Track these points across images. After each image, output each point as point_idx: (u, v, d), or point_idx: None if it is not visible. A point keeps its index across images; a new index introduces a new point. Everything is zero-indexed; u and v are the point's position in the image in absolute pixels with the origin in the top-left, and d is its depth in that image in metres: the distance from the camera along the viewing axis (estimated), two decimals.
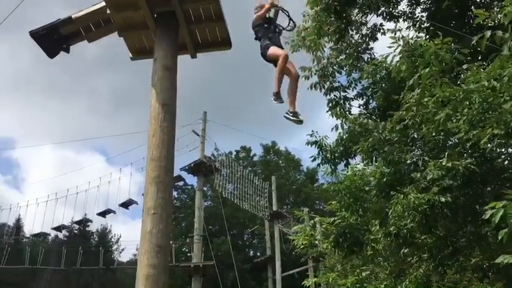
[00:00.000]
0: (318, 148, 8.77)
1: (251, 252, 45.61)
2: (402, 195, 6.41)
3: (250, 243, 47.01)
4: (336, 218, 8.65)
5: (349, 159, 8.86)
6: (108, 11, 6.12)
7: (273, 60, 6.41)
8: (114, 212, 30.28)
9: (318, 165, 8.85)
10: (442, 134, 6.95)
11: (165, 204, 5.32)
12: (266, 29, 6.70)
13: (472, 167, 6.39)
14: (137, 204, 29.72)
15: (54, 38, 6.50)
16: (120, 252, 58.66)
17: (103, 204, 30.46)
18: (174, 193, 42.44)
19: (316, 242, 11.00)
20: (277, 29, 6.82)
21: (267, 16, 6.87)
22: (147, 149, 5.67)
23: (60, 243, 45.14)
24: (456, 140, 7.25)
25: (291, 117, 6.08)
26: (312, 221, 10.37)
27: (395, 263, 8.33)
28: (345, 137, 8.57)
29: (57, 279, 49.05)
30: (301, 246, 11.07)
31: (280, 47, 6.63)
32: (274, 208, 32.39)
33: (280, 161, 49.83)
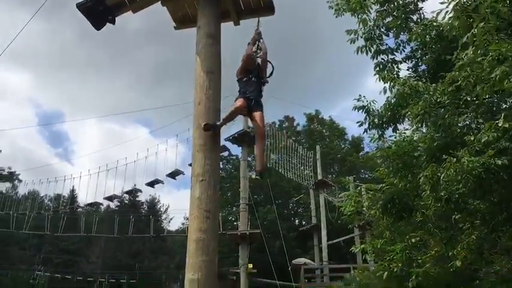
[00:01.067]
0: (365, 113, 8.57)
1: (296, 221, 45.92)
2: (455, 159, 6.20)
3: (295, 212, 47.30)
4: (383, 185, 8.49)
5: (398, 125, 8.61)
6: None
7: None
8: (162, 182, 31.08)
9: (365, 130, 8.66)
10: (497, 94, 6.63)
11: (213, 171, 5.38)
12: (244, 82, 6.14)
13: None
14: (184, 174, 30.38)
15: (99, 10, 6.59)
16: (169, 222, 60.49)
17: (151, 175, 31.27)
18: (220, 161, 42.96)
19: (363, 209, 10.89)
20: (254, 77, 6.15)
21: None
22: (193, 117, 5.72)
23: (112, 213, 47.05)
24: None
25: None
26: (358, 188, 10.22)
27: (446, 229, 8.13)
28: (393, 101, 8.32)
29: (110, 246, 51.33)
30: (348, 214, 11.00)
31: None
32: (319, 177, 32.30)
33: (324, 130, 49.35)
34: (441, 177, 6.44)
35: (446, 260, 7.76)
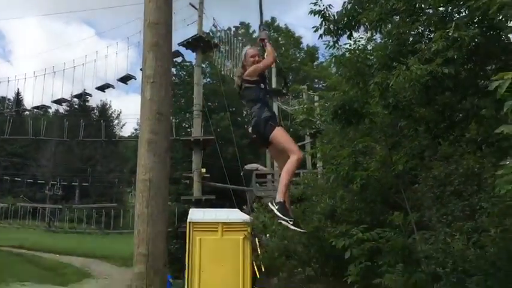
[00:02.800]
0: (321, 18, 8.41)
1: (250, 128, 46.53)
2: (405, 66, 6.32)
3: (249, 120, 47.76)
4: (336, 92, 8.63)
5: (353, 32, 8.55)
6: None
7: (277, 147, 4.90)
8: (112, 86, 30.30)
9: (320, 36, 8.56)
10: (450, 3, 6.66)
11: (164, 72, 5.27)
12: (263, 90, 5.14)
13: (479, 37, 6.20)
14: (135, 79, 29.66)
15: None
16: (121, 127, 59.95)
17: (101, 80, 30.37)
18: (173, 70, 42.03)
19: (316, 115, 11.14)
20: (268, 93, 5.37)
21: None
22: (143, 15, 5.46)
23: (62, 117, 45.95)
24: (465, 11, 6.97)
25: (280, 215, 4.38)
26: (311, 96, 10.28)
27: (392, 136, 8.49)
28: (349, 6, 8.20)
29: (61, 151, 50.81)
30: (300, 120, 11.23)
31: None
32: (274, 86, 32.40)
33: (280, 38, 48.68)
34: (390, 84, 6.59)
35: (389, 165, 8.19)
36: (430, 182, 7.19)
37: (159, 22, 5.32)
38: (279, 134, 4.87)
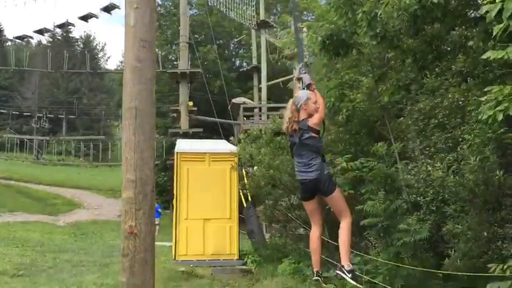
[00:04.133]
0: None
1: (237, 62, 46.03)
2: None
3: (236, 53, 47.11)
4: (323, 23, 8.48)
5: None
6: None
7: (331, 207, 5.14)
8: (96, 16, 29.41)
9: None
10: None
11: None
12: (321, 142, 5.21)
13: None
14: (119, 8, 28.76)
15: None
16: (107, 60, 58.80)
17: (84, 9, 29.38)
18: (158, 0, 40.71)
19: (303, 47, 10.99)
20: None
21: None
22: None
23: (45, 48, 44.79)
24: None
25: (355, 283, 4.72)
26: (298, 26, 10.14)
27: (379, 67, 8.47)
28: None
29: (46, 83, 49.96)
30: (287, 52, 11.10)
31: None
32: (262, 17, 31.67)
33: None
34: (379, 14, 6.49)
35: (375, 97, 8.24)
36: (415, 114, 7.28)
37: None
38: (338, 196, 5.06)
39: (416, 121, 7.26)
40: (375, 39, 6.96)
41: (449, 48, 7.95)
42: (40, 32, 30.88)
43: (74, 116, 49.48)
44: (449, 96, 6.70)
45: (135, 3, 5.02)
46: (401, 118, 8.11)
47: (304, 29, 11.15)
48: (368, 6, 6.60)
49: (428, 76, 7.34)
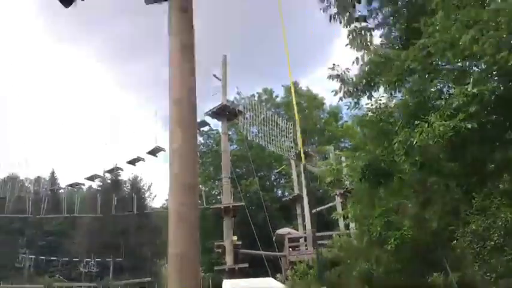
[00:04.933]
0: (339, 82, 8.61)
1: (279, 192, 46.33)
2: (427, 124, 6.33)
3: (277, 183, 47.68)
4: (361, 152, 8.64)
5: (372, 92, 8.70)
6: None
7: None
8: (143, 159, 30.97)
9: (340, 99, 8.74)
10: (467, 58, 6.75)
11: (191, 146, 5.39)
12: None
13: (499, 91, 6.22)
14: (164, 151, 30.30)
15: None
16: (153, 199, 60.45)
17: (132, 153, 31.15)
18: (200, 139, 42.85)
19: (343, 176, 11.08)
20: None
21: None
22: (168, 91, 5.69)
23: (95, 193, 46.83)
24: (482, 65, 7.03)
25: None
26: (337, 156, 10.28)
27: (422, 192, 8.35)
28: (367, 69, 8.39)
29: (95, 226, 51.20)
30: (328, 181, 11.19)
31: None
32: (300, 147, 32.47)
33: (303, 101, 49.43)
34: (414, 142, 6.59)
35: (423, 222, 8.00)
36: (468, 237, 6.95)
37: (184, 98, 5.51)
38: None
39: (470, 244, 6.91)
40: (414, 166, 6.98)
41: (493, 168, 7.83)
42: (91, 178, 32.63)
43: (121, 258, 49.61)
44: (502, 216, 6.42)
45: (178, 151, 5.29)
46: (454, 242, 7.74)
47: (343, 158, 11.34)
48: (403, 136, 6.73)
49: (475, 197, 7.14)
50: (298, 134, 30.12)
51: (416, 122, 6.56)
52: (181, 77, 5.56)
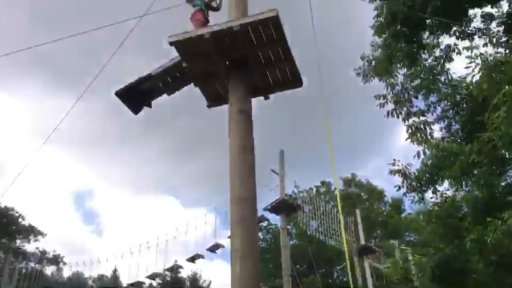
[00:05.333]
0: (401, 177, 8.46)
1: None
2: (500, 221, 5.97)
3: (340, 281, 45.53)
4: (430, 250, 8.19)
5: (437, 186, 8.45)
6: (183, 64, 6.46)
7: None
8: (202, 256, 30.74)
9: (404, 194, 8.52)
10: None
11: (252, 246, 5.36)
12: None
13: None
14: (224, 247, 30.07)
15: (136, 95, 6.94)
16: None
17: (191, 250, 31.07)
18: (259, 234, 42.52)
19: (411, 276, 10.44)
20: None
21: None
22: (230, 191, 5.78)
23: None
24: None
25: None
26: (403, 254, 9.79)
27: None
28: (429, 163, 8.22)
29: None
30: (396, 281, 10.56)
31: None
32: (362, 242, 31.33)
33: (363, 193, 48.47)
34: (488, 240, 6.19)
35: None
36: None
37: (244, 197, 5.57)
38: None
39: None
40: (490, 266, 6.49)
41: None
42: (151, 277, 32.56)
43: None
44: None
45: (240, 252, 5.24)
46: None
47: (410, 256, 10.78)
48: (476, 234, 6.36)
49: None
50: (342, 228, 29.26)
51: (488, 219, 6.21)
52: (242, 176, 5.67)
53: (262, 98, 6.88)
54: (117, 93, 6.87)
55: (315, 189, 46.77)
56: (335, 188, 49.07)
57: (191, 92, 6.94)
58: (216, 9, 7.14)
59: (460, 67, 8.98)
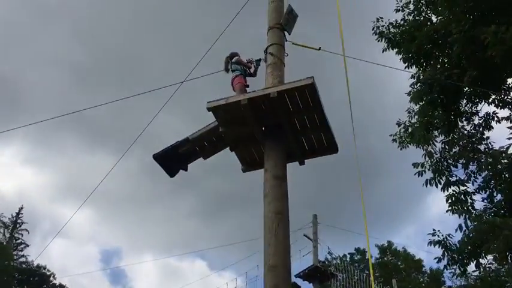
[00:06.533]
0: (442, 248, 8.13)
1: None
2: None
3: None
4: None
5: (480, 260, 8.04)
6: (220, 129, 6.58)
7: None
8: None
9: (445, 266, 8.13)
10: None
11: None
12: None
13: None
14: None
15: (173, 159, 7.05)
16: None
17: None
18: None
19: None
20: None
21: None
22: (263, 257, 5.68)
23: None
24: None
25: None
26: None
27: None
28: (471, 235, 7.90)
29: None
30: None
31: None
32: None
33: (399, 262, 46.58)
34: None
35: None
36: None
37: (278, 265, 5.45)
38: None
39: None
40: None
41: None
42: None
43: None
44: None
45: None
46: None
47: None
48: None
49: None
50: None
51: None
52: (276, 244, 5.58)
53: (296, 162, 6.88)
54: (155, 157, 7.00)
55: (348, 256, 45.34)
56: (368, 256, 47.50)
57: (224, 153, 7.01)
58: (252, 75, 7.36)
59: (501, 135, 8.82)
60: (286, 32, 7.23)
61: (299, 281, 26.33)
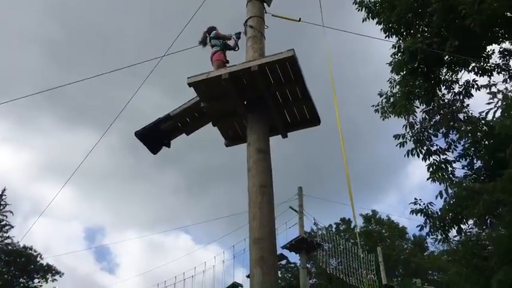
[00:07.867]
0: (424, 216, 8.30)
1: None
2: None
3: None
4: None
5: (461, 225, 8.24)
6: (201, 104, 6.54)
7: None
8: None
9: (427, 234, 8.33)
10: None
11: (272, 286, 5.27)
12: None
13: None
14: (242, 287, 29.56)
15: (155, 135, 7.01)
16: None
17: None
18: (278, 273, 41.70)
19: None
20: None
21: None
22: (249, 231, 5.73)
23: None
24: None
25: None
26: None
27: None
28: (452, 202, 8.06)
29: None
30: None
31: None
32: (384, 281, 30.51)
33: (384, 231, 47.48)
34: None
35: None
36: None
37: (264, 238, 5.51)
38: None
39: None
40: None
41: None
42: None
43: None
44: None
45: None
46: None
47: None
48: (502, 275, 6.15)
49: None
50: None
51: None
52: (261, 217, 5.63)
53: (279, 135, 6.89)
54: (137, 134, 6.94)
55: (334, 226, 46.04)
56: (354, 226, 48.26)
57: (207, 128, 6.98)
58: (233, 48, 7.25)
59: (480, 103, 8.93)
60: (265, 4, 7.13)
61: (286, 252, 26.68)
